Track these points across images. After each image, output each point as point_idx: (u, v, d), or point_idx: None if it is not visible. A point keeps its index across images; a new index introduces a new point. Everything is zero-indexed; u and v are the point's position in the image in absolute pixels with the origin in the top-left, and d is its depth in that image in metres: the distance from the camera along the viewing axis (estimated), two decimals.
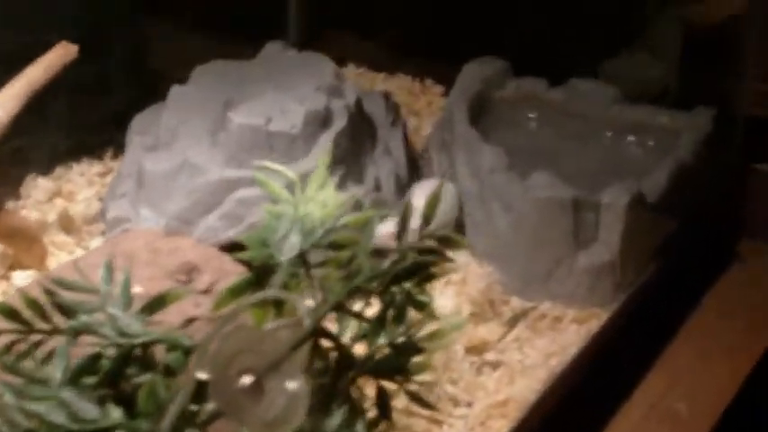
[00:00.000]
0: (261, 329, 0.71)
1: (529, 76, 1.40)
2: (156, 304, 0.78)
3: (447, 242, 0.83)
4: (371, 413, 0.83)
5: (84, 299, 0.77)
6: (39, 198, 1.26)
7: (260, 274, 0.80)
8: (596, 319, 1.16)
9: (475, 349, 1.11)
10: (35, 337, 0.75)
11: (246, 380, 0.66)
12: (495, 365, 1.10)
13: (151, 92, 1.33)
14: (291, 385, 0.67)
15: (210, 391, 0.66)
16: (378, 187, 1.23)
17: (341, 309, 0.77)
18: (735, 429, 1.18)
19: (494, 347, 1.12)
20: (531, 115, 1.39)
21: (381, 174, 1.24)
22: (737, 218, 1.40)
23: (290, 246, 0.80)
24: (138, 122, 1.26)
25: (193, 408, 0.68)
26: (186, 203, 1.15)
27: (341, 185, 1.16)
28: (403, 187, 1.27)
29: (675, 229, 1.27)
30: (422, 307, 0.82)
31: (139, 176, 1.19)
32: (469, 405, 1.05)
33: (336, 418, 0.79)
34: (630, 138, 1.36)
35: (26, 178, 1.29)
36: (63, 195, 1.28)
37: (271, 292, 0.76)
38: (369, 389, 0.82)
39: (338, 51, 1.49)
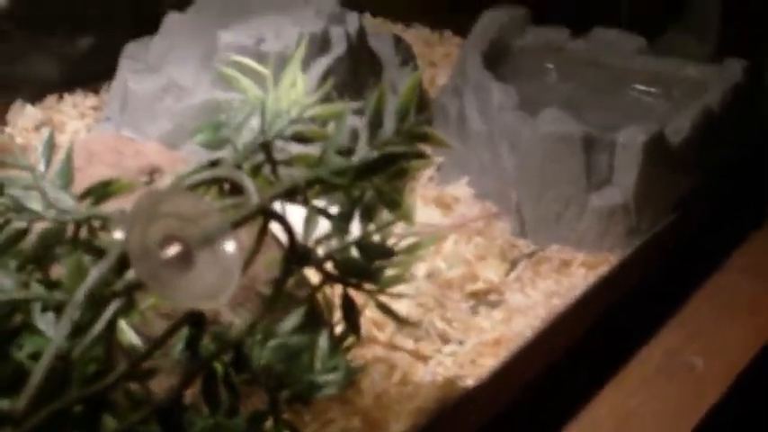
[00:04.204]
0: (204, 202, 0.64)
1: (550, 24, 1.33)
2: (100, 190, 0.72)
3: (422, 138, 0.76)
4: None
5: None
6: (25, 125, 1.20)
7: (215, 162, 0.73)
8: (607, 265, 1.08)
9: (474, 295, 1.03)
10: None
11: (173, 249, 0.60)
12: (493, 305, 1.02)
13: (154, 24, 1.26)
14: (225, 262, 0.60)
15: (130, 257, 0.59)
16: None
17: (296, 196, 0.70)
18: (754, 390, 1.09)
19: (495, 290, 1.04)
20: (550, 66, 1.32)
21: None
22: None
23: (249, 129, 0.73)
24: (131, 48, 1.20)
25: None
26: (170, 126, 1.10)
27: None
28: None
29: (700, 182, 1.19)
30: (394, 206, 0.75)
31: (123, 98, 1.13)
32: (461, 343, 0.97)
33: (290, 321, 0.73)
34: (656, 90, 1.28)
35: (13, 105, 1.23)
36: (52, 126, 1.22)
37: (219, 170, 0.69)
38: None
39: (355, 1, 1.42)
